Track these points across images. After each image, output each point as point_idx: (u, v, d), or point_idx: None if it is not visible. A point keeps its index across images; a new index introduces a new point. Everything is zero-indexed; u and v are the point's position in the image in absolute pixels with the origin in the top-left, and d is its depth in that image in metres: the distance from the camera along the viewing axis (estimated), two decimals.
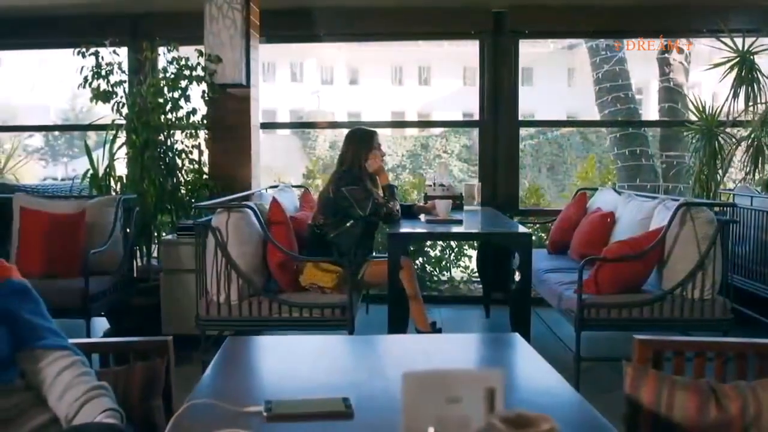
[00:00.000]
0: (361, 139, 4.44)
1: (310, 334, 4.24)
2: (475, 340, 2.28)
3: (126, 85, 5.24)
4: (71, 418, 1.61)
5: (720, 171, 5.48)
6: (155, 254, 5.34)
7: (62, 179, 22.21)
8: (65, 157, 25.42)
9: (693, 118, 5.87)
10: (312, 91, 24.47)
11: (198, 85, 5.21)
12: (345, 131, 4.69)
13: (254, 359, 1.95)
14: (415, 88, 26.50)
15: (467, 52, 20.33)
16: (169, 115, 5.17)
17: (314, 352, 1.97)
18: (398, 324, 3.89)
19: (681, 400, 1.84)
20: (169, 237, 4.88)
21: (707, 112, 5.65)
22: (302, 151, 19.40)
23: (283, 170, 15.36)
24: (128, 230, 4.78)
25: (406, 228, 4.27)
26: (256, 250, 3.95)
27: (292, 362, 1.88)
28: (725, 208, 4.28)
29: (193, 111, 5.21)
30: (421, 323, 4.18)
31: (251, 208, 3.93)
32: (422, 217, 4.70)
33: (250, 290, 3.88)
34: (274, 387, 1.66)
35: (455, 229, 4.38)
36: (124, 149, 5.37)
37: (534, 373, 1.82)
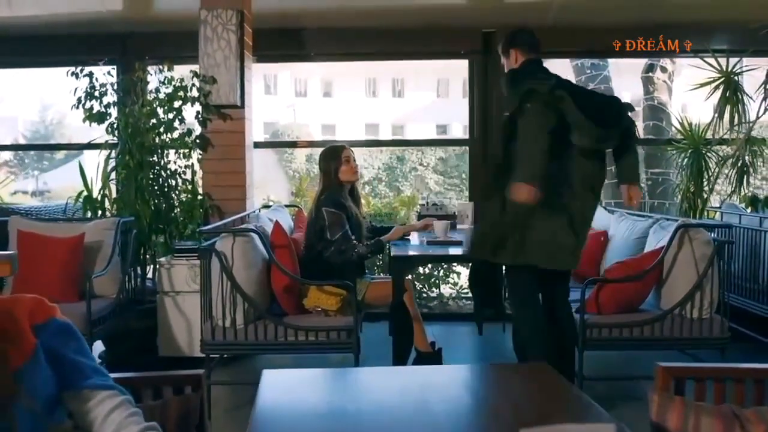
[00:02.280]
0: (328, 155, 4.48)
1: (315, 357, 4.28)
2: (507, 370, 2.32)
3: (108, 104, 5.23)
4: None
5: (707, 188, 5.60)
6: (149, 276, 5.33)
7: (33, 193, 21.91)
8: (35, 170, 25.07)
9: (678, 135, 6.01)
10: (287, 105, 24.43)
11: (192, 105, 5.22)
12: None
13: (297, 395, 1.96)
14: (390, 100, 26.55)
15: (441, 65, 20.53)
16: (164, 136, 5.17)
17: (354, 387, 1.99)
18: (403, 345, 3.93)
19: (707, 426, 1.89)
20: (162, 259, 4.87)
21: (693, 131, 5.78)
22: (278, 165, 19.33)
23: (261, 185, 15.29)
24: (126, 252, 4.76)
25: (400, 249, 4.30)
26: (261, 274, 3.96)
27: (335, 397, 1.91)
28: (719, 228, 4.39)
29: (188, 132, 5.21)
30: (420, 343, 4.23)
31: (256, 232, 3.94)
32: (413, 237, 4.72)
33: (255, 314, 3.89)
34: (326, 425, 1.68)
35: (455, 249, 4.42)
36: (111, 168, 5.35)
37: (574, 404, 1.87)
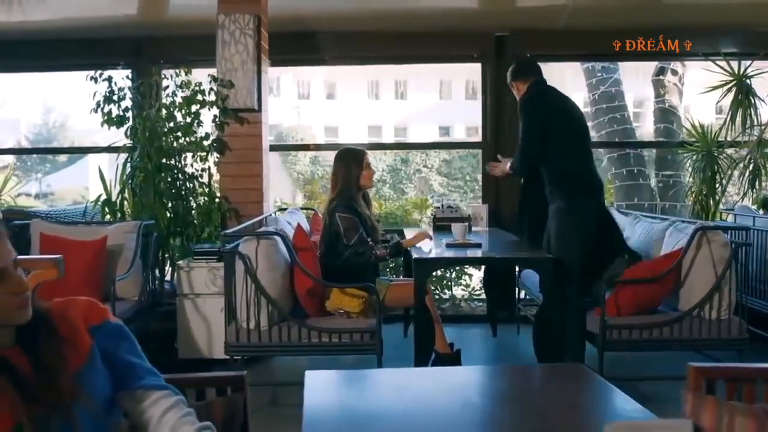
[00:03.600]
0: (351, 159, 4.47)
1: (331, 358, 4.30)
2: (545, 370, 2.37)
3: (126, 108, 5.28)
4: None
5: (719, 191, 5.65)
6: (167, 278, 5.37)
7: (36, 195, 21.95)
8: (38, 173, 25.11)
9: (689, 138, 6.06)
10: (292, 107, 24.47)
11: (209, 109, 5.27)
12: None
13: (343, 395, 2.01)
14: (392, 102, 26.58)
15: (443, 67, 20.53)
16: (181, 140, 5.22)
17: (395, 387, 2.03)
18: (425, 347, 3.97)
19: (741, 425, 1.93)
20: (181, 262, 4.91)
21: (706, 134, 5.83)
22: (282, 167, 19.37)
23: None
24: (147, 255, 4.80)
25: (422, 252, 4.34)
26: (284, 277, 4.00)
27: (379, 398, 1.95)
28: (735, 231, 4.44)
29: (206, 136, 5.26)
30: (441, 345, 4.27)
31: (279, 234, 3.98)
32: (424, 245, 4.70)
33: (279, 316, 3.94)
34: (374, 424, 1.72)
35: (473, 252, 4.46)
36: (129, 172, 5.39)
37: (613, 402, 1.91)
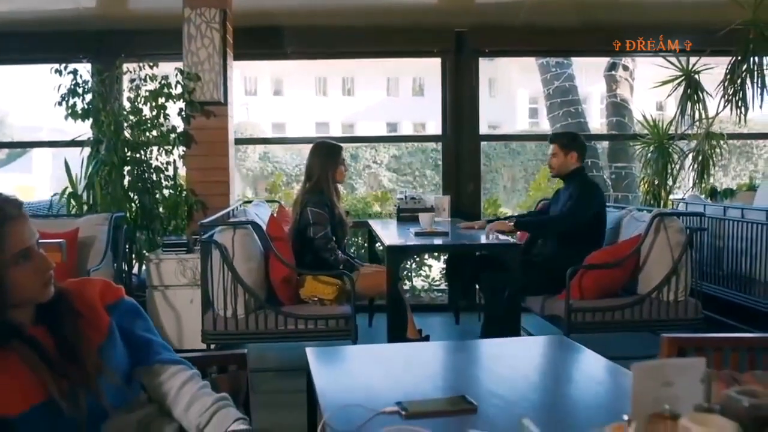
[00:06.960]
0: (328, 153, 4.57)
1: (313, 344, 4.39)
2: (536, 341, 2.52)
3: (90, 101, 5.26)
4: (203, 427, 1.72)
5: (670, 181, 5.90)
6: (134, 271, 5.38)
7: None
8: None
9: (639, 130, 6.31)
10: (241, 103, 24.34)
11: (175, 102, 5.30)
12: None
13: (349, 368, 2.11)
14: (339, 98, 26.62)
15: (390, 63, 20.63)
16: (147, 133, 5.23)
17: (396, 360, 2.14)
18: (397, 331, 4.08)
19: (713, 389, 2.10)
20: (151, 254, 4.93)
21: (658, 127, 6.08)
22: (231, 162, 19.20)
23: None
24: (117, 248, 4.80)
25: (394, 240, 4.45)
26: (259, 265, 4.07)
27: (384, 368, 2.06)
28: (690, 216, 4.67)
29: (173, 128, 5.28)
30: (411, 332, 4.39)
31: (254, 224, 4.05)
32: (392, 231, 4.85)
33: (256, 304, 4.00)
34: (386, 390, 1.82)
35: (439, 240, 4.59)
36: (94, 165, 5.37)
37: (597, 366, 2.06)
